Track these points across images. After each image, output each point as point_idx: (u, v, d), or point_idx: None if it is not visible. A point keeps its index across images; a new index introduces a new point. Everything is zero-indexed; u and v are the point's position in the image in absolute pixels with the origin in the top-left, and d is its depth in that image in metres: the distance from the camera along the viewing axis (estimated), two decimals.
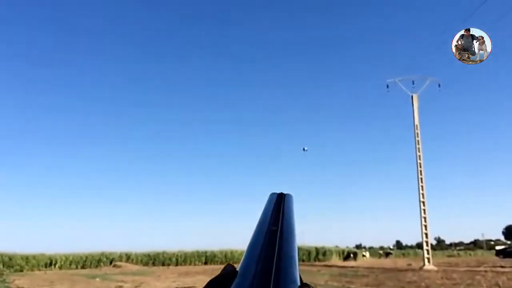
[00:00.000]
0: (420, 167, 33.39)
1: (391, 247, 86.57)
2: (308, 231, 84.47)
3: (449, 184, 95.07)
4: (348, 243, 71.53)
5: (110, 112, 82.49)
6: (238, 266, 0.75)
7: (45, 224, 71.03)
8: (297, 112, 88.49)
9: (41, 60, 75.95)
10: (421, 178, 33.10)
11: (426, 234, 32.48)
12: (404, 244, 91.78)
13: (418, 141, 33.91)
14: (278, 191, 1.06)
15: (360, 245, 79.81)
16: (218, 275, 0.73)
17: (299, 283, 0.72)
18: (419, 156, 33.60)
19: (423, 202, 32.68)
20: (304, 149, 47.24)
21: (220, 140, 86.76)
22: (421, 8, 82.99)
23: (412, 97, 34.83)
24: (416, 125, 34.18)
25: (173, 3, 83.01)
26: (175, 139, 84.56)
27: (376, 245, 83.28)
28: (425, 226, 32.46)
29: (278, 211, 0.95)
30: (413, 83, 34.95)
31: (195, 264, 46.61)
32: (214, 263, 45.97)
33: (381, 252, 67.15)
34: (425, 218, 32.45)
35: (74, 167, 78.82)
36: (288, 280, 0.70)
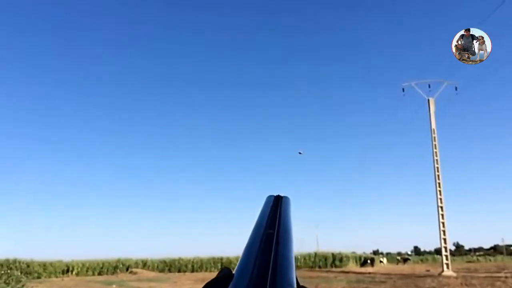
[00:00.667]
0: (438, 171, 32.97)
1: (409, 252, 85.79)
2: (324, 236, 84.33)
3: (468, 188, 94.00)
4: (365, 249, 70.80)
5: (125, 118, 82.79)
6: (234, 269, 0.76)
7: (62, 231, 71.58)
8: (312, 117, 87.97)
9: (40, 63, 76.51)
10: (439, 183, 32.68)
11: (445, 240, 32.02)
12: (422, 249, 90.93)
13: (435, 145, 33.51)
14: (275, 194, 1.06)
15: (377, 250, 79.09)
16: (215, 278, 0.74)
17: (295, 286, 0.73)
18: (437, 160, 33.19)
19: (441, 207, 32.27)
20: (299, 153, 46.85)
21: (228, 144, 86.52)
22: (437, 10, 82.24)
23: (428, 101, 34.47)
24: (433, 129, 33.78)
25: (172, 4, 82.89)
26: (181, 144, 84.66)
27: (393, 250, 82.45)
28: (444, 231, 32.00)
29: (275, 213, 0.95)
30: (429, 87, 34.62)
31: (211, 271, 46.48)
32: None
33: (398, 258, 66.38)
34: (443, 223, 32.02)
35: (90, 176, 79.32)
36: (284, 282, 0.70)
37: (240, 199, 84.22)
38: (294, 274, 0.75)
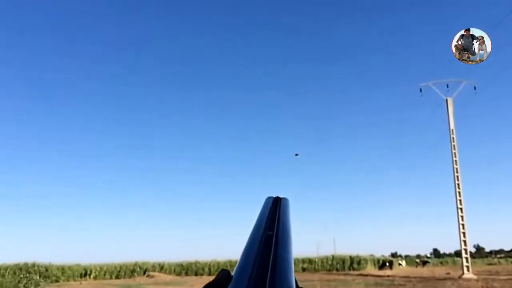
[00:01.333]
0: (457, 172, 32.52)
1: (428, 255, 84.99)
2: (341, 239, 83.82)
3: (488, 189, 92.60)
4: (383, 252, 70.49)
5: (128, 119, 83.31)
6: (233, 271, 0.76)
7: (80, 235, 72.14)
8: (331, 119, 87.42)
9: (40, 63, 77.22)
10: (458, 184, 32.24)
11: (465, 242, 31.57)
12: (441, 252, 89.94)
13: (454, 145, 33.08)
14: (274, 195, 1.06)
15: (396, 253, 78.38)
16: (213, 280, 0.75)
17: None
18: (456, 161, 32.76)
19: (461, 209, 31.84)
20: (296, 155, 45.99)
21: (238, 145, 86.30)
22: (453, 9, 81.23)
23: (446, 101, 34.05)
24: (452, 130, 33.35)
25: (173, 4, 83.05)
26: (192, 146, 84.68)
27: (412, 253, 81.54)
28: (464, 233, 31.56)
29: (274, 215, 0.95)
30: (447, 86, 34.13)
31: None
32: None
33: (417, 260, 65.68)
34: (463, 225, 31.58)
35: (107, 179, 79.80)
36: (283, 284, 0.71)
37: (255, 201, 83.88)
38: (293, 275, 0.75)
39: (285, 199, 1.05)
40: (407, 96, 70.44)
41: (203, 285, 0.73)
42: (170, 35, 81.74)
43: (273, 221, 0.91)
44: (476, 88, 34.47)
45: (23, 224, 70.46)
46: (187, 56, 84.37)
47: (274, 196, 1.06)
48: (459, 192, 32.14)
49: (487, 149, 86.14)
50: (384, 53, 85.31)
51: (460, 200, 32.03)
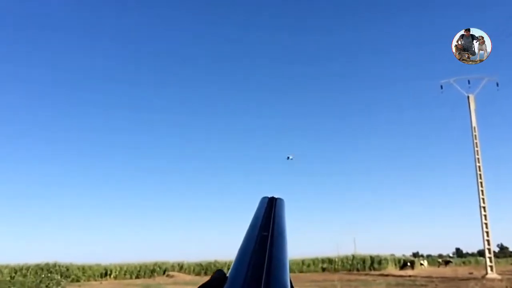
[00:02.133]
0: (480, 170, 32.01)
1: (451, 255, 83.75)
2: (361, 238, 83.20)
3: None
4: (405, 251, 69.44)
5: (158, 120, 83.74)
6: (228, 272, 0.77)
7: (100, 235, 72.84)
8: (350, 117, 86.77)
9: (37, 61, 77.78)
10: (481, 182, 31.73)
11: (488, 241, 31.10)
12: (464, 251, 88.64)
13: (476, 143, 32.56)
14: (270, 195, 1.06)
15: (417, 253, 77.35)
16: (208, 281, 0.75)
17: None
18: (478, 159, 32.24)
19: (484, 207, 31.34)
20: (288, 158, 43.78)
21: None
22: (476, 5, 79.96)
23: (468, 97, 33.53)
24: (474, 127, 32.85)
25: (173, 5, 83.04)
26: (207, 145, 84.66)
27: (434, 253, 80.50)
28: (487, 232, 31.09)
29: (269, 215, 0.95)
30: (468, 83, 33.66)
31: None
32: None
33: (440, 260, 64.72)
34: (486, 224, 31.10)
35: (127, 179, 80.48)
36: (278, 285, 0.71)
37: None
38: (288, 276, 0.75)
39: (280, 199, 1.06)
40: (428, 93, 69.48)
41: None
42: (170, 35, 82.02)
43: (268, 221, 0.91)
44: (499, 85, 33.93)
45: (45, 225, 71.53)
46: (186, 56, 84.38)
47: (269, 196, 1.06)
48: (482, 191, 31.65)
49: (510, 147, 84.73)
50: (404, 50, 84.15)
51: (483, 199, 31.54)
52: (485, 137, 57.94)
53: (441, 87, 34.60)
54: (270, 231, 0.87)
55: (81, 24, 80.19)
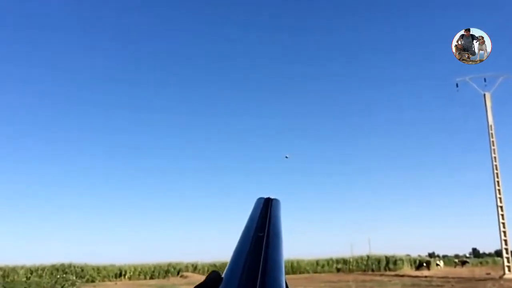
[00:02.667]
0: (496, 169, 31.61)
1: (467, 255, 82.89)
2: (376, 239, 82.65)
3: None
4: (420, 251, 68.76)
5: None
6: (223, 273, 0.77)
7: (115, 236, 73.22)
8: (363, 116, 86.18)
9: (37, 60, 78.07)
10: (498, 182, 31.33)
11: (505, 241, 30.67)
12: (481, 251, 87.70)
13: (493, 142, 32.15)
14: (265, 196, 1.06)
15: (433, 253, 76.54)
16: (203, 281, 0.75)
17: None
18: (495, 157, 31.84)
19: (501, 207, 30.96)
20: (286, 157, 43.40)
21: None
22: (476, 5, 78.89)
23: (484, 95, 33.11)
24: (491, 125, 32.43)
25: (174, 5, 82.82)
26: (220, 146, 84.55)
27: (450, 253, 79.47)
28: (504, 232, 30.71)
29: (265, 216, 0.94)
30: (485, 81, 33.25)
31: None
32: None
33: (456, 260, 64.05)
34: (503, 223, 30.72)
35: (139, 180, 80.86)
36: (274, 286, 0.72)
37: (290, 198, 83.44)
38: (284, 277, 0.75)
39: (276, 200, 1.04)
40: (443, 92, 68.76)
41: None
42: (170, 35, 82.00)
43: (264, 222, 0.90)
44: None
45: (60, 225, 72.02)
46: (187, 56, 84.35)
47: (265, 197, 1.05)
48: (498, 190, 31.29)
49: None
50: (404, 50, 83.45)
51: (500, 198, 31.19)
52: (501, 136, 57.11)
53: (457, 85, 34.22)
54: (266, 232, 0.86)
55: (81, 24, 79.66)
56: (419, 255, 57.10)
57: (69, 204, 71.85)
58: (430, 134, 77.80)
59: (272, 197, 1.06)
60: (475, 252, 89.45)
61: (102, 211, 74.60)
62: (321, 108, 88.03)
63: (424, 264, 49.11)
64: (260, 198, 1.05)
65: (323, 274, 43.14)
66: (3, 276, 36.70)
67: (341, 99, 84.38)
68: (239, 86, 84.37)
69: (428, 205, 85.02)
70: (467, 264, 58.18)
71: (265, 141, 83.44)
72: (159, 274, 45.81)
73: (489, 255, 77.76)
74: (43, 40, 77.03)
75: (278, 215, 0.97)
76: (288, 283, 0.76)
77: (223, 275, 0.74)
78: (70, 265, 40.82)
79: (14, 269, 38.94)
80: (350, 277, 34.06)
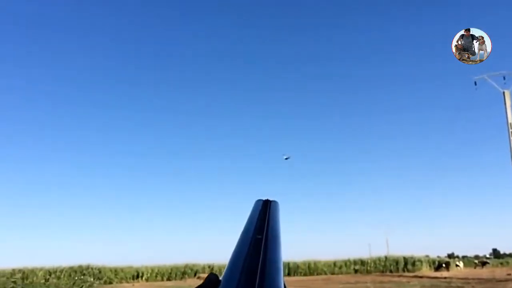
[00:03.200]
0: None
1: (488, 255, 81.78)
2: (395, 239, 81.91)
3: None
4: (439, 252, 68.04)
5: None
6: (221, 275, 0.77)
7: (132, 237, 73.63)
8: (383, 115, 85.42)
9: (37, 60, 78.46)
10: None
11: None
12: (501, 252, 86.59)
13: None
14: (264, 198, 1.06)
15: (453, 254, 75.72)
16: (201, 284, 0.75)
17: None
18: None
19: None
20: (286, 158, 43.60)
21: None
22: (476, 5, 77.75)
23: (503, 93, 32.61)
24: (510, 124, 31.88)
25: (175, 5, 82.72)
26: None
27: (470, 254, 78.55)
28: None
29: (264, 218, 0.95)
30: (504, 79, 32.78)
31: None
32: (297, 275, 44.95)
33: (476, 261, 63.22)
34: None
35: (158, 182, 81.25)
36: None
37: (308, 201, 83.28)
38: (282, 279, 0.75)
39: (275, 202, 1.04)
40: (463, 90, 68.03)
41: None
42: (170, 35, 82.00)
43: (262, 224, 0.90)
44: None
45: (78, 227, 72.63)
46: (187, 56, 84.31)
47: (264, 199, 1.05)
48: None
49: None
50: (404, 50, 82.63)
51: None
52: None
53: (475, 83, 33.77)
54: (265, 234, 0.86)
55: (81, 24, 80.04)
56: (438, 256, 56.53)
57: (87, 205, 72.47)
58: (450, 133, 76.72)
59: (270, 199, 1.05)
60: (496, 253, 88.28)
61: (120, 212, 75.17)
62: (313, 107, 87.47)
63: (444, 265, 48.57)
64: (258, 200, 1.05)
65: (340, 275, 42.80)
66: (22, 278, 37.00)
67: (336, 98, 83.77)
68: (239, 86, 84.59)
69: (448, 205, 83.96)
70: (487, 265, 57.42)
71: (259, 140, 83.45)
72: (176, 275, 45.93)
73: (510, 255, 76.99)
74: (43, 40, 77.63)
75: (277, 217, 0.96)
76: (286, 285, 0.74)
77: (221, 278, 0.73)
78: (88, 267, 41.04)
79: (33, 271, 39.24)
80: (368, 278, 33.79)
